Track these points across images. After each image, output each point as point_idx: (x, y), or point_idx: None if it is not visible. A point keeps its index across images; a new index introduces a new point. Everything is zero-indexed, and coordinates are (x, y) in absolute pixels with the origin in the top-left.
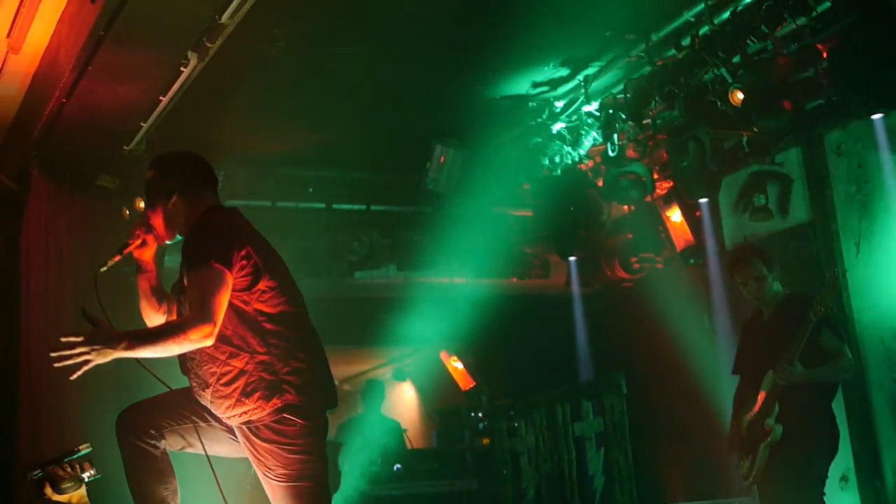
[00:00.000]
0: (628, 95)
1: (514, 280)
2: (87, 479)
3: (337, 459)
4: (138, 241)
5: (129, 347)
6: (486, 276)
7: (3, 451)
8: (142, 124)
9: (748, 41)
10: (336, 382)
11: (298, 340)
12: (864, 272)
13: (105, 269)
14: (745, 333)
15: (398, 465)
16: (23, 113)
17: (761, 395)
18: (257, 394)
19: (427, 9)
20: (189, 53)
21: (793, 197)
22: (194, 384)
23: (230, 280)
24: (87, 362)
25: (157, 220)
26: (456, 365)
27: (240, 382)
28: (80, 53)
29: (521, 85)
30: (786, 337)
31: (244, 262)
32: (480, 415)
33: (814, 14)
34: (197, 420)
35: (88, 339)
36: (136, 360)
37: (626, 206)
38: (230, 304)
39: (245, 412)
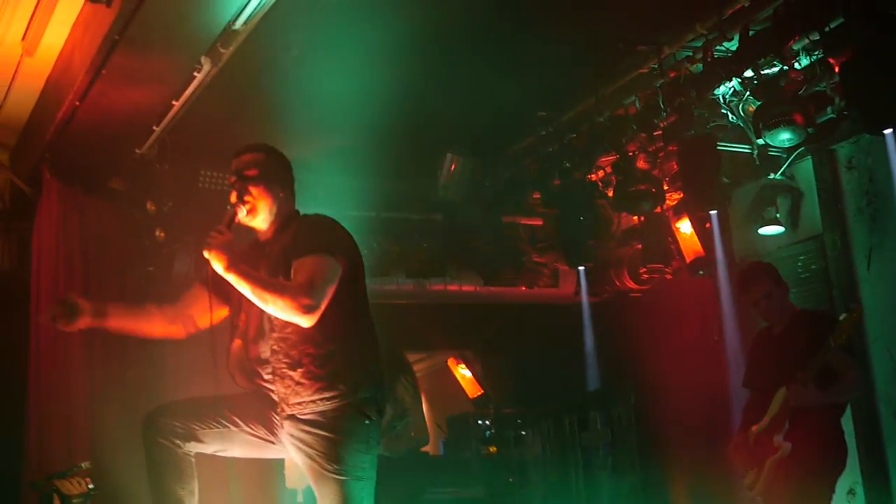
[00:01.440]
0: (639, 107)
1: (523, 288)
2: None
3: None
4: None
5: (239, 272)
6: (494, 284)
7: (10, 451)
8: (154, 128)
9: (760, 55)
10: None
11: (376, 340)
12: (874, 286)
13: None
14: (755, 346)
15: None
16: (36, 115)
17: (771, 411)
18: (350, 381)
19: (441, 18)
20: (202, 59)
21: (803, 210)
22: (282, 364)
23: (340, 273)
24: (207, 246)
25: (262, 200)
26: (464, 372)
27: (334, 366)
28: (94, 57)
29: (533, 95)
30: (798, 354)
31: (354, 253)
32: (488, 423)
33: (827, 29)
34: (227, 425)
35: (224, 238)
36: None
37: (635, 217)
38: (338, 294)
39: (333, 396)
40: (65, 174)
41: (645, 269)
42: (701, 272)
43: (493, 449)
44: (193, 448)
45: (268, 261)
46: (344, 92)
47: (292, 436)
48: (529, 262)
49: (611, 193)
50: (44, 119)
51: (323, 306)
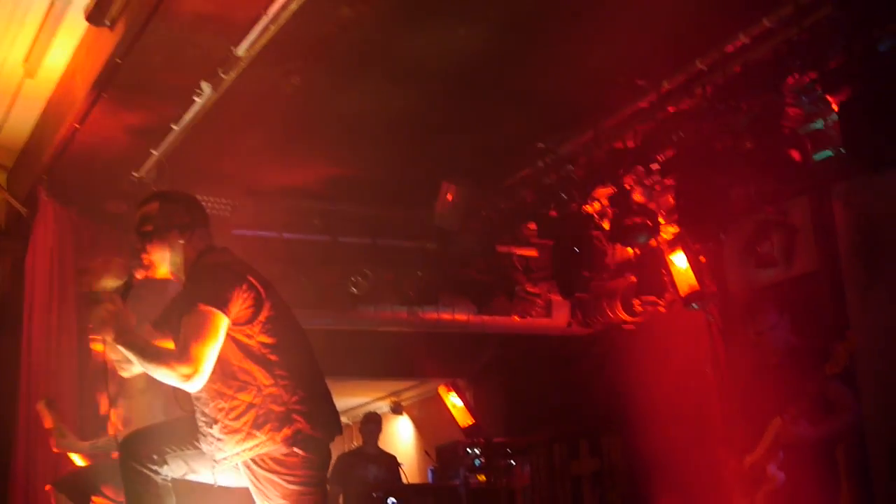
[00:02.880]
0: (638, 140)
1: (516, 318)
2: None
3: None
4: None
5: (125, 342)
6: (488, 313)
7: None
8: (152, 152)
9: (759, 91)
10: None
11: (302, 370)
12: (868, 323)
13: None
14: (752, 376)
15: (393, 500)
16: (35, 137)
17: (765, 441)
18: (268, 425)
19: (443, 48)
20: (203, 84)
21: (798, 246)
22: (201, 423)
23: (225, 324)
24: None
25: (159, 254)
26: (454, 401)
27: (249, 416)
28: (95, 80)
29: (531, 126)
30: (790, 386)
31: (246, 294)
32: (477, 451)
33: (827, 69)
34: (199, 446)
35: (111, 310)
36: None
37: (630, 249)
38: (234, 340)
39: (255, 445)
40: (61, 195)
41: (639, 302)
42: (695, 305)
43: (482, 478)
44: (173, 471)
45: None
46: (343, 119)
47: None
48: (523, 291)
49: (606, 225)
50: (43, 140)
51: (205, 369)
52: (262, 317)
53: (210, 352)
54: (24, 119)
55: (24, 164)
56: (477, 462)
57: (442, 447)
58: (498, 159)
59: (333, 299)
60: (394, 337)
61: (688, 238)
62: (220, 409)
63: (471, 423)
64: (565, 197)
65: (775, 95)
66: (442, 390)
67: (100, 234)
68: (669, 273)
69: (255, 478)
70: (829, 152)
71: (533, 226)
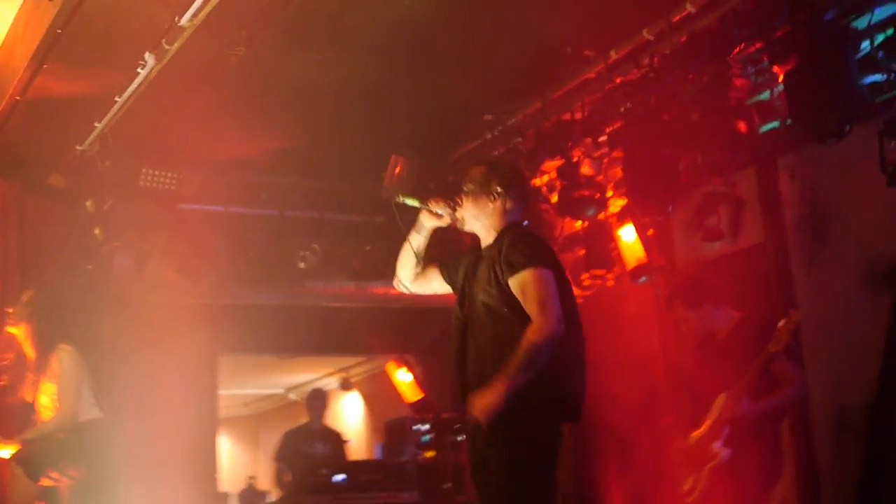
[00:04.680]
0: (586, 112)
1: None
2: None
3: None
4: (438, 210)
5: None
6: None
7: None
8: (96, 124)
9: (706, 62)
10: (283, 391)
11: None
12: (813, 295)
13: (402, 200)
14: (697, 352)
15: (340, 477)
16: None
17: (710, 417)
18: None
19: (390, 19)
20: (147, 55)
21: (745, 218)
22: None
23: None
24: None
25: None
26: (403, 377)
27: None
28: (35, 51)
29: (479, 98)
30: (736, 362)
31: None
32: (426, 427)
33: (773, 38)
34: None
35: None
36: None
37: (578, 222)
38: None
39: None
40: (4, 170)
41: (587, 275)
42: (643, 279)
43: (430, 453)
44: None
45: None
46: (288, 91)
47: None
48: None
49: (554, 198)
50: None
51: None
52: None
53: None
54: None
55: None
56: (425, 438)
57: (390, 423)
58: (446, 132)
59: (281, 274)
60: (342, 312)
61: (636, 211)
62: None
63: (420, 399)
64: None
65: (722, 66)
66: (391, 366)
67: (43, 209)
68: (617, 246)
69: None
70: (775, 123)
71: None
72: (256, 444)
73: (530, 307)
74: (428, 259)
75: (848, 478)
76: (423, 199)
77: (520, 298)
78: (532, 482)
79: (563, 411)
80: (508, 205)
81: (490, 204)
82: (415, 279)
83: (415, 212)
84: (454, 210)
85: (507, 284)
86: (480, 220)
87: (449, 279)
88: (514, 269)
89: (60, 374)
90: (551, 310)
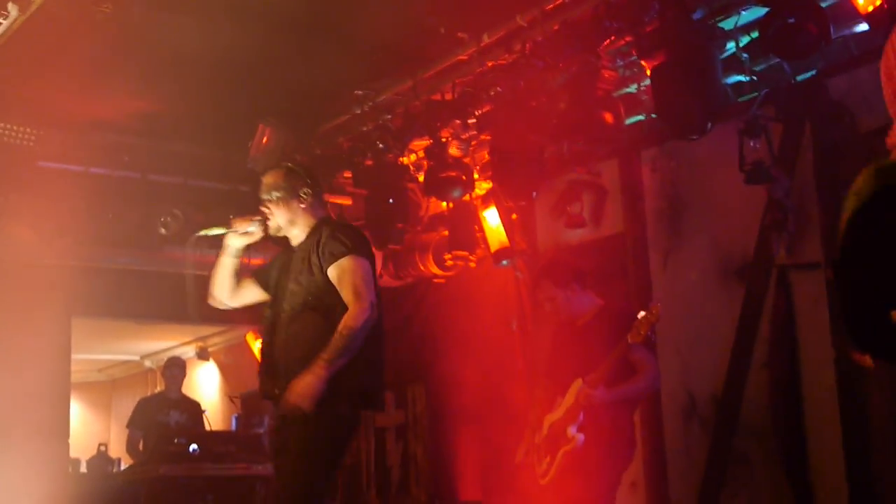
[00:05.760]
0: (456, 93)
1: None
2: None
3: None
4: (247, 229)
5: None
6: None
7: None
8: None
9: (576, 51)
10: (139, 358)
11: None
12: (668, 286)
13: (206, 233)
14: (556, 337)
15: (195, 446)
16: None
17: (567, 402)
18: None
19: None
20: (10, 5)
21: (607, 208)
22: None
23: None
24: None
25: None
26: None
27: None
28: None
29: (351, 73)
30: (598, 348)
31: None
32: None
33: (642, 33)
34: None
35: None
36: None
37: (444, 203)
38: None
39: None
40: None
41: (450, 256)
42: (505, 262)
43: None
44: None
45: None
46: (157, 53)
47: None
48: None
49: (421, 178)
50: None
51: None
52: None
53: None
54: None
55: None
56: None
57: (247, 395)
58: (315, 104)
59: (141, 239)
60: (202, 280)
61: (501, 194)
62: None
63: None
64: (382, 147)
65: (592, 57)
66: (250, 337)
67: None
68: (481, 229)
69: None
70: (640, 117)
71: (348, 174)
72: (109, 411)
73: (347, 294)
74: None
75: (694, 463)
76: (228, 226)
77: (337, 286)
78: (321, 465)
79: (365, 399)
80: (316, 202)
81: (301, 206)
82: (232, 296)
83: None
84: (265, 222)
85: (325, 273)
86: (295, 224)
87: (264, 285)
88: (334, 257)
89: None
90: (367, 297)
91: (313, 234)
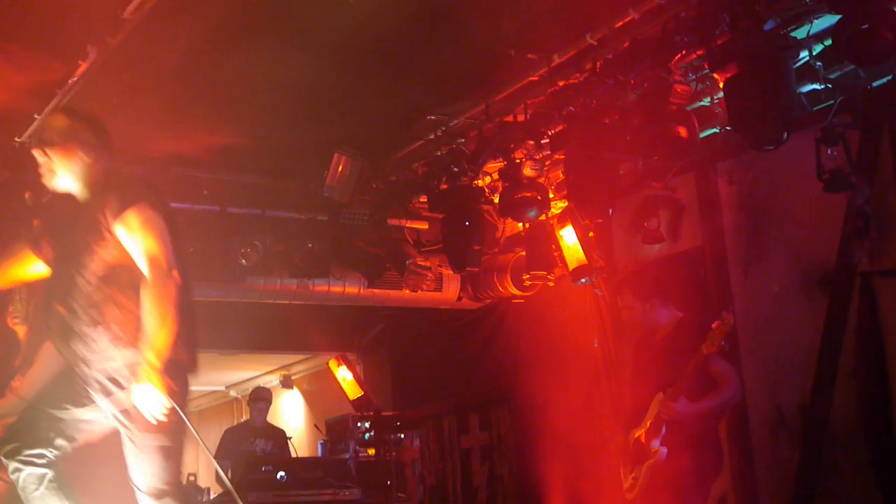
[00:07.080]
0: (528, 114)
1: (407, 291)
2: None
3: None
4: None
5: None
6: (378, 286)
7: None
8: (36, 116)
9: (647, 67)
10: (224, 388)
11: None
12: (750, 299)
13: None
14: (638, 351)
15: (282, 473)
16: None
17: (650, 415)
18: None
19: (333, 18)
20: (88, 47)
21: (684, 222)
22: None
23: None
24: None
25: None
26: (344, 374)
27: None
28: None
29: (423, 99)
30: (676, 362)
31: None
32: (367, 425)
33: (714, 46)
34: None
35: None
36: None
37: (520, 224)
38: None
39: None
40: None
41: (528, 276)
42: (583, 280)
43: (371, 451)
44: None
45: None
46: (233, 87)
47: None
48: (414, 265)
49: (496, 199)
50: None
51: None
52: None
53: None
54: None
55: None
56: (367, 436)
57: (332, 421)
58: (389, 131)
59: (222, 271)
60: (284, 310)
61: (577, 213)
62: None
63: (360, 397)
64: (456, 170)
65: (663, 72)
66: (332, 364)
67: None
68: (559, 248)
69: None
70: (715, 129)
71: (424, 199)
72: (196, 441)
73: (140, 255)
74: None
75: (784, 476)
76: None
77: (128, 245)
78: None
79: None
80: (103, 155)
81: (86, 157)
82: None
83: (359, 214)
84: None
85: (114, 233)
86: (76, 176)
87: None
88: (123, 208)
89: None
90: (167, 256)
91: (102, 191)
